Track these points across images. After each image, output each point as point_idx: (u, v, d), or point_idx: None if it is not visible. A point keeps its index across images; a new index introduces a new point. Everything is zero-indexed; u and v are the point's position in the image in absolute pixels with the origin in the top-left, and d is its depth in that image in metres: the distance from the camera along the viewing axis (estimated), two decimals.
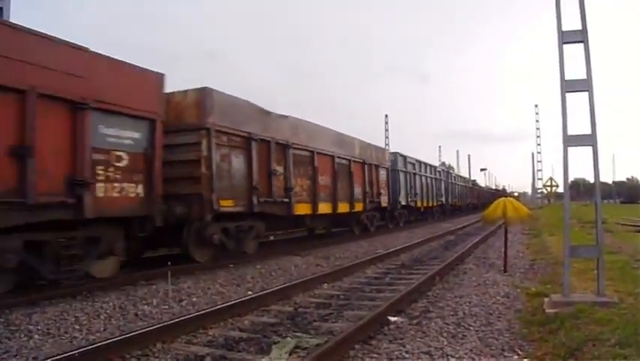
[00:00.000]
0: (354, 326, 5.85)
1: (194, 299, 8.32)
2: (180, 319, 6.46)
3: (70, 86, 8.34)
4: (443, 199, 37.38)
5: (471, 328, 6.26)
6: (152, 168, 9.91)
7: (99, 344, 5.31)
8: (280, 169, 14.21)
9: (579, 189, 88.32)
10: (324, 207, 16.84)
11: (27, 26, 7.92)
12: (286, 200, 14.47)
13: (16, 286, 7.93)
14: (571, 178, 7.35)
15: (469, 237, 19.94)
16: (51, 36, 8.24)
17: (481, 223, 25.41)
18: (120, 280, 9.29)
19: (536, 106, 68.03)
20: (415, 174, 28.92)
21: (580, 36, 7.03)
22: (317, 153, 16.45)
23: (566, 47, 7.06)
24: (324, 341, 5.55)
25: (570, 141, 6.95)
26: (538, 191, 67.02)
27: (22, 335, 6.10)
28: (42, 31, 8.10)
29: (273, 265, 12.05)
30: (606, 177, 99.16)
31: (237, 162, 12.49)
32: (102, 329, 6.53)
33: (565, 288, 6.85)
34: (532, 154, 65.50)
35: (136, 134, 9.64)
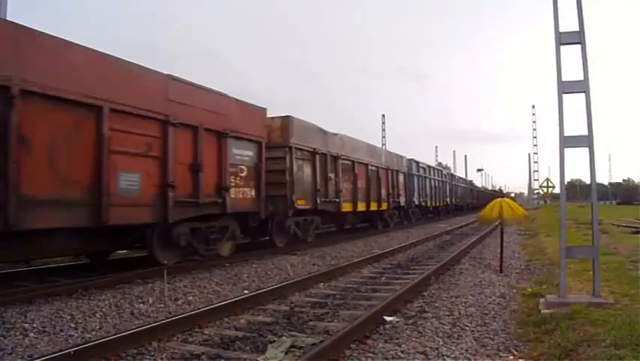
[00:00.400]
0: (349, 326, 5.86)
1: (190, 298, 8.31)
2: (176, 317, 6.47)
3: (219, 122, 12.12)
4: (448, 200, 41.58)
5: (467, 328, 6.26)
6: (260, 177, 13.71)
7: (95, 343, 5.31)
8: (333, 175, 18.10)
9: (575, 190, 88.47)
10: (361, 206, 20.74)
11: (199, 83, 11.68)
12: (337, 200, 18.36)
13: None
14: (567, 179, 7.37)
15: (466, 237, 20.02)
16: (211, 89, 12.07)
17: (477, 224, 25.51)
18: (115, 278, 9.29)
19: (533, 107, 68.03)
20: (425, 177, 32.96)
21: (577, 37, 7.04)
22: (356, 162, 20.44)
23: (563, 48, 7.08)
24: (320, 341, 5.55)
25: (567, 142, 6.96)
26: (535, 192, 67.22)
27: (18, 333, 6.08)
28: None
29: (269, 264, 12.05)
30: (602, 178, 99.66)
31: (307, 170, 16.43)
32: (98, 327, 6.52)
33: (560, 289, 6.87)
34: (529, 155, 65.86)
35: (251, 153, 13.52)
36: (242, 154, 13.08)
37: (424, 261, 12.84)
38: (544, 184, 37.44)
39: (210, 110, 11.77)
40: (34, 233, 8.12)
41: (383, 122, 58.70)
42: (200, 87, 11.67)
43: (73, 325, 6.53)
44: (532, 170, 66.51)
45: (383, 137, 57.84)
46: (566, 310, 6.26)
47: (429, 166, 34.79)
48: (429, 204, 33.69)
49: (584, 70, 7.02)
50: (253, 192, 13.53)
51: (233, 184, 12.61)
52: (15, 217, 7.47)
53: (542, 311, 6.55)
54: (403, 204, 27.32)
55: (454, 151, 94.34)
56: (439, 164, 71.19)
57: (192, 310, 7.11)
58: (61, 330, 6.30)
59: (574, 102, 7.04)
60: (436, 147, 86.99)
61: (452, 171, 65.88)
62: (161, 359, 5.28)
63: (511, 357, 5.21)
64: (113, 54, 9.41)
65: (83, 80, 8.65)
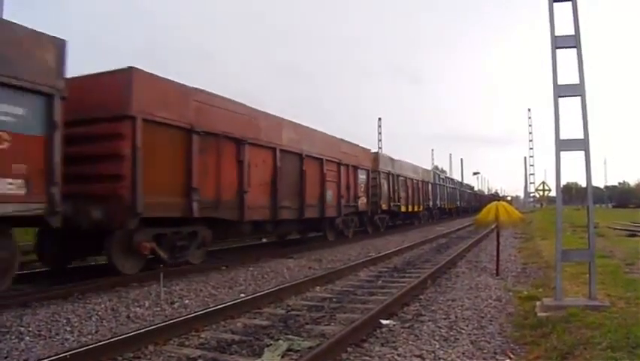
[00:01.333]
0: (346, 329, 5.86)
1: (187, 301, 8.30)
2: (172, 321, 6.44)
3: (354, 160, 21.14)
4: (458, 203, 51.80)
5: (463, 331, 6.27)
6: (369, 190, 23.02)
7: (91, 346, 5.29)
8: (397, 188, 27.79)
9: (571, 193, 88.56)
10: (410, 208, 30.75)
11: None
12: (399, 204, 27.99)
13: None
14: (563, 182, 7.37)
15: (462, 240, 20.06)
16: (353, 143, 21.45)
17: (473, 227, 25.62)
18: (112, 281, 9.27)
19: (529, 110, 68.48)
20: (444, 185, 43.93)
21: (573, 41, 7.06)
22: (408, 178, 30.51)
23: (559, 51, 7.09)
24: (317, 344, 5.55)
25: (563, 145, 6.97)
26: (531, 195, 67.29)
27: (13, 337, 6.05)
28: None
29: (265, 267, 12.05)
30: (598, 182, 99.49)
31: (385, 185, 26.02)
32: (94, 330, 6.49)
33: (557, 292, 6.87)
34: (525, 158, 65.86)
35: (364, 176, 22.36)
36: (361, 177, 21.83)
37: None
38: (540, 187, 37.58)
39: (352, 154, 20.83)
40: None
41: (379, 125, 58.63)
42: (350, 143, 21.15)
43: (69, 328, 6.50)
44: (528, 173, 66.61)
45: (379, 140, 57.85)
46: (562, 313, 6.26)
47: (446, 176, 48.12)
48: (445, 206, 43.71)
49: (579, 73, 7.04)
50: (366, 200, 22.53)
51: (360, 195, 21.64)
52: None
53: (539, 314, 6.56)
54: (431, 206, 37.12)
55: (450, 154, 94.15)
56: (435, 167, 71.42)
57: (189, 313, 7.09)
58: (57, 334, 6.27)
59: (570, 106, 7.05)
60: (432, 150, 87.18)
61: (449, 174, 66.18)
62: None
63: (508, 360, 5.21)
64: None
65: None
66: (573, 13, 7.05)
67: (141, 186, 9.75)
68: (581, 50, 7.02)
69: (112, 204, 9.52)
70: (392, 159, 27.51)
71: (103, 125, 9.73)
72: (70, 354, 4.93)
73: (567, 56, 7.13)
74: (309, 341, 5.82)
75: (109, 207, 9.50)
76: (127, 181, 9.61)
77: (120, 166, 9.60)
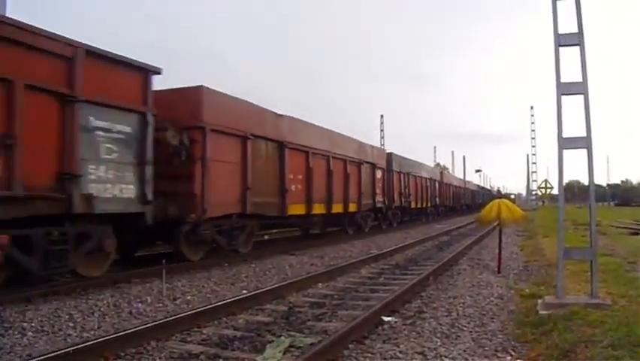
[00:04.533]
0: (348, 326, 5.88)
1: (189, 298, 8.32)
2: (174, 317, 6.48)
3: (371, 160, 22.75)
4: (462, 201, 54.98)
5: (464, 328, 6.28)
6: (385, 188, 25.27)
7: (93, 342, 5.32)
8: (412, 187, 30.29)
9: (574, 191, 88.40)
10: (419, 204, 32.73)
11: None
12: (410, 200, 29.42)
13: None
14: (565, 180, 7.37)
15: (465, 237, 20.08)
16: (366, 143, 22.92)
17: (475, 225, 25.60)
18: (114, 277, 9.29)
19: (532, 108, 67.98)
20: (449, 184, 47.12)
21: (576, 39, 7.05)
22: (417, 176, 31.89)
23: (562, 49, 7.08)
24: (319, 341, 5.56)
25: (565, 143, 6.97)
26: (533, 193, 67.18)
27: (16, 332, 6.08)
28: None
29: (267, 264, 12.06)
30: (600, 180, 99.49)
31: (398, 183, 27.42)
32: (96, 326, 6.52)
33: (558, 290, 6.87)
34: (527, 156, 65.77)
35: (379, 175, 23.94)
36: (378, 176, 23.62)
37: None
38: (543, 185, 37.52)
39: (369, 154, 22.68)
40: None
41: (382, 123, 58.73)
42: (368, 144, 23.25)
43: (71, 324, 6.53)
44: (530, 171, 66.56)
45: (382, 137, 57.88)
46: (563, 311, 6.26)
47: (462, 180, 59.52)
48: (451, 203, 47.00)
49: (582, 71, 7.03)
50: (382, 196, 24.17)
51: (377, 192, 23.34)
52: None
53: (540, 312, 6.56)
54: (437, 203, 38.95)
55: (453, 152, 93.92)
56: (437, 165, 71.41)
57: (191, 309, 7.11)
58: (60, 329, 6.31)
59: (573, 103, 7.05)
60: (435, 147, 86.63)
61: (451, 172, 66.42)
62: (160, 358, 5.28)
63: (509, 358, 5.22)
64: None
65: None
66: (576, 10, 7.04)
67: (208, 188, 11.48)
68: (584, 48, 7.00)
69: (186, 201, 11.16)
70: (403, 159, 28.69)
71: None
72: (72, 350, 4.96)
73: (571, 53, 7.12)
74: (311, 338, 5.83)
75: (183, 204, 11.04)
76: (198, 183, 11.33)
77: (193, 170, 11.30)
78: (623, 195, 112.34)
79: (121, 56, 9.37)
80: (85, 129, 8.63)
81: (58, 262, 8.24)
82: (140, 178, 9.70)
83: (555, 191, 34.33)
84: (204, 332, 6.23)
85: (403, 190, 28.03)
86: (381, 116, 59.10)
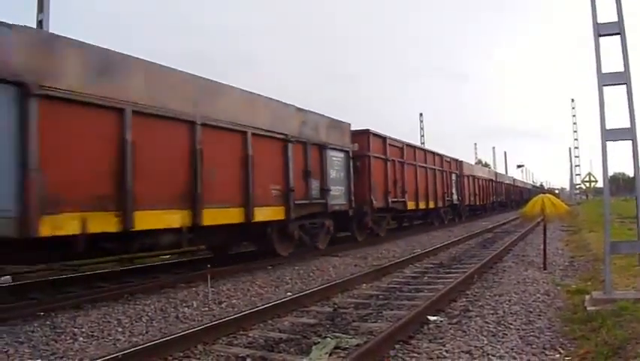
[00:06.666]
0: (393, 326, 5.88)
1: (234, 301, 8.42)
2: (220, 321, 6.56)
3: (449, 168, 28.00)
4: (512, 196, 56.90)
5: (511, 326, 6.21)
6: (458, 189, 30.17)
7: (142, 346, 5.44)
8: (476, 188, 34.85)
9: (619, 184, 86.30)
10: (480, 202, 36.56)
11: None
12: (474, 199, 34.09)
13: None
14: (610, 173, 7.24)
15: (508, 234, 19.84)
16: (444, 154, 27.59)
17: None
18: (160, 283, 9.47)
19: (573, 100, 66.57)
20: (510, 184, 55.16)
21: (616, 28, 6.92)
22: (479, 178, 35.75)
23: (602, 39, 6.96)
24: (364, 341, 5.58)
25: (609, 135, 6.84)
26: (577, 187, 65.85)
27: (68, 338, 6.26)
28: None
29: (311, 265, 12.11)
30: None
31: (467, 185, 32.09)
32: (144, 331, 6.66)
33: (606, 285, 6.75)
34: (570, 149, 64.43)
35: (454, 178, 28.90)
36: (453, 179, 28.98)
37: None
38: (587, 179, 36.76)
39: (449, 162, 28.12)
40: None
41: (421, 121, 58.21)
42: (446, 156, 27.85)
43: (120, 329, 6.69)
44: (573, 165, 65.18)
45: (422, 135, 57.43)
46: (612, 306, 6.15)
47: (512, 178, 64.19)
48: (503, 200, 49.16)
49: (624, 61, 6.90)
50: (456, 195, 29.65)
51: (454, 192, 28.57)
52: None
53: (588, 308, 6.46)
54: (493, 200, 42.81)
55: (494, 148, 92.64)
56: (479, 161, 70.79)
57: (236, 313, 7.20)
58: (109, 334, 6.46)
59: (615, 94, 6.92)
60: (475, 144, 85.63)
61: (492, 168, 66.02)
62: None
63: (558, 355, 5.15)
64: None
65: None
66: None
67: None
68: (625, 37, 6.87)
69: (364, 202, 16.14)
70: (470, 165, 33.90)
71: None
72: (122, 354, 5.07)
73: (612, 43, 7.00)
74: (357, 339, 5.84)
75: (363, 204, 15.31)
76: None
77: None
78: None
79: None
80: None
81: (315, 239, 14.04)
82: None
83: (599, 184, 33.69)
84: (250, 334, 6.29)
85: (470, 190, 33.10)
86: (420, 114, 58.51)
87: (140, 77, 8.83)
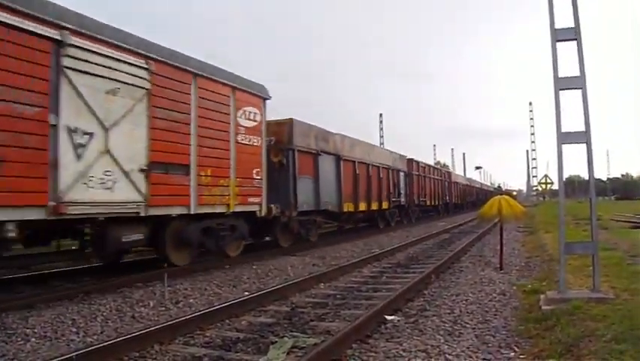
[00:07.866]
0: (351, 325, 5.87)
1: (191, 301, 8.31)
2: (177, 320, 6.46)
3: (396, 165, 26.30)
4: (467, 198, 56.52)
5: (467, 325, 6.28)
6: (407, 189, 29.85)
7: (96, 346, 5.32)
8: (428, 187, 34.03)
9: (574, 186, 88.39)
10: (433, 202, 35.85)
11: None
12: (425, 200, 33.01)
13: None
14: (565, 175, 7.38)
15: (466, 235, 20.11)
16: (392, 151, 28.08)
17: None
18: (116, 282, 9.29)
19: (530, 104, 68.27)
20: (466, 185, 55.88)
21: (573, 34, 7.05)
22: (432, 178, 35.55)
23: (559, 44, 7.08)
24: (322, 341, 5.56)
25: (564, 138, 6.97)
26: (533, 188, 67.24)
27: (19, 339, 6.07)
28: None
29: (269, 265, 12.05)
30: (601, 174, 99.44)
31: (416, 184, 30.87)
32: (99, 331, 6.51)
33: (560, 285, 6.88)
34: (527, 151, 65.84)
35: (402, 177, 27.76)
36: (401, 178, 27.44)
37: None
38: (543, 180, 37.52)
39: (395, 160, 26.40)
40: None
41: (381, 121, 58.81)
42: (393, 152, 27.38)
43: (74, 329, 6.52)
44: (530, 167, 66.69)
45: (381, 136, 57.96)
46: (566, 306, 6.26)
47: (473, 179, 69.27)
48: (459, 201, 49.02)
49: (580, 66, 7.03)
50: (404, 196, 28.07)
51: (401, 192, 27.28)
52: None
53: (543, 307, 6.56)
54: (447, 201, 41.83)
55: (452, 149, 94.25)
56: (437, 162, 71.58)
57: (193, 312, 7.11)
58: (63, 335, 6.29)
59: (571, 98, 7.05)
60: (434, 145, 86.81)
61: (451, 169, 66.89)
62: None
63: (513, 354, 5.22)
64: None
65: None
66: (573, 5, 7.04)
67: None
68: (581, 43, 7.01)
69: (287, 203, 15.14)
70: (418, 163, 31.98)
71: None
72: (76, 355, 4.95)
73: (568, 48, 7.12)
74: (314, 338, 5.83)
75: (285, 205, 14.77)
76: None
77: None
78: (624, 189, 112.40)
79: None
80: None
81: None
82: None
83: (555, 186, 34.43)
84: (207, 334, 6.22)
85: (420, 191, 31.96)
86: (380, 115, 59.32)
87: (347, 143, 19.64)
